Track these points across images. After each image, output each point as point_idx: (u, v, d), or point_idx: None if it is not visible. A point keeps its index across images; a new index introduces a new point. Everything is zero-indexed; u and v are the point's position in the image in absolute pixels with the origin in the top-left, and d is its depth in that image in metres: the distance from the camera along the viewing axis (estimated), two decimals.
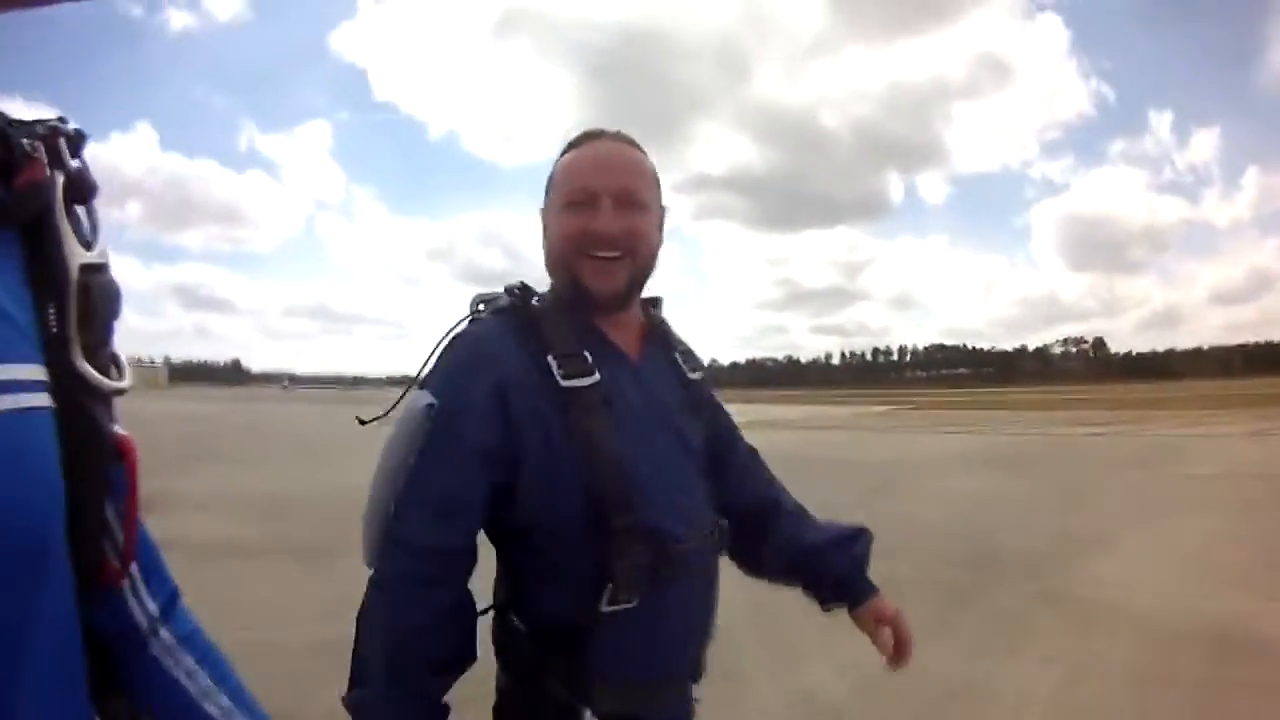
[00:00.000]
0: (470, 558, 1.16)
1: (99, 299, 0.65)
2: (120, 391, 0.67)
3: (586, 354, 1.16)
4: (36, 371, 0.59)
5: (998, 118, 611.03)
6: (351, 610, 1.11)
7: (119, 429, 0.68)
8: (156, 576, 0.76)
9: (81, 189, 0.67)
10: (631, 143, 1.28)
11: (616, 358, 1.22)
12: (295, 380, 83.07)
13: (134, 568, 0.72)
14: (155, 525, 0.76)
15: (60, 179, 0.65)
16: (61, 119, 0.68)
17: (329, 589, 4.48)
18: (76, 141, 0.68)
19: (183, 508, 8.16)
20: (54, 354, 0.61)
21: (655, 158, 1.30)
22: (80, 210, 0.68)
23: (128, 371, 0.69)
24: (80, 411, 0.63)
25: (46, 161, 0.64)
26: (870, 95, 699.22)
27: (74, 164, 0.67)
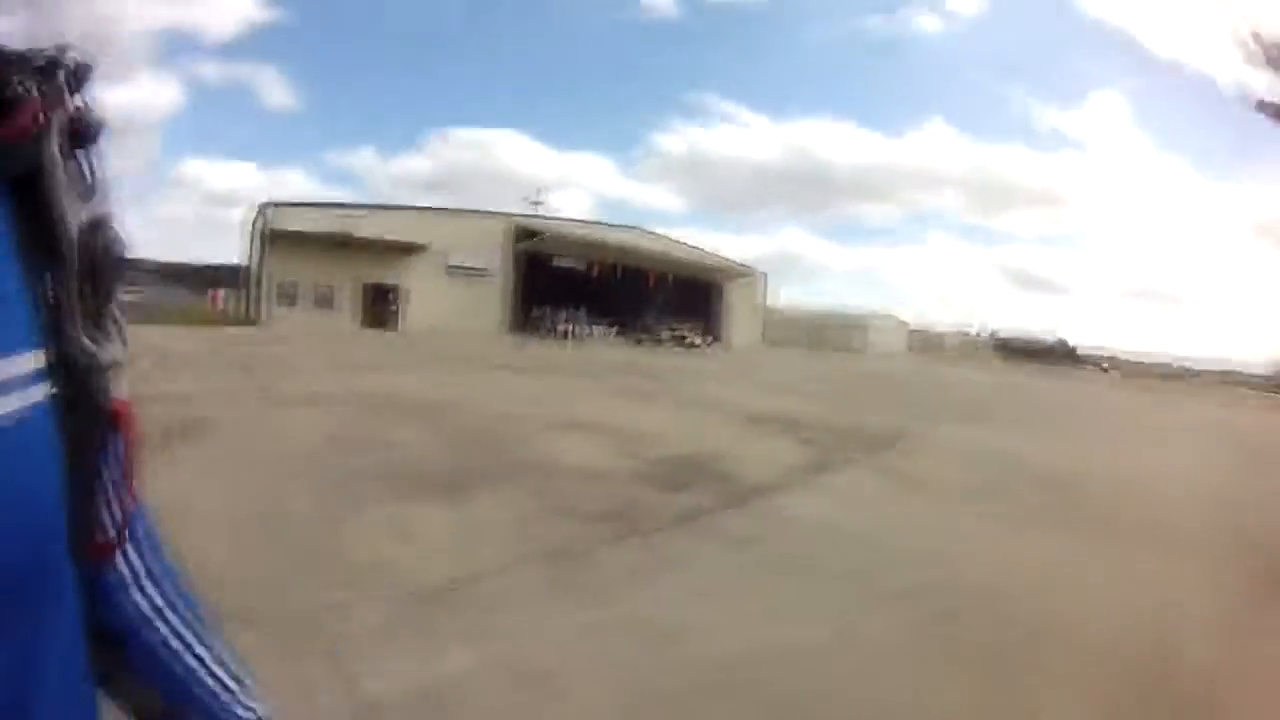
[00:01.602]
0: None
1: (101, 260, 0.59)
2: (119, 363, 0.62)
3: None
4: (32, 360, 0.54)
5: None
6: None
7: (119, 395, 0.63)
8: (152, 552, 0.73)
9: (83, 131, 0.60)
10: None
11: None
12: (1114, 364, 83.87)
13: (133, 556, 0.69)
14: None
15: (59, 121, 0.57)
16: (61, 48, 0.59)
17: None
18: (80, 75, 0.60)
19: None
20: (52, 328, 0.56)
21: None
22: (84, 154, 0.61)
23: (127, 333, 0.64)
24: (82, 388, 0.58)
25: (41, 102, 0.56)
26: None
27: (75, 102, 0.59)
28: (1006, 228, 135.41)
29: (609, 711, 3.07)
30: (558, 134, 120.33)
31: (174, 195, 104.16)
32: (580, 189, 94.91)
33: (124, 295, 0.63)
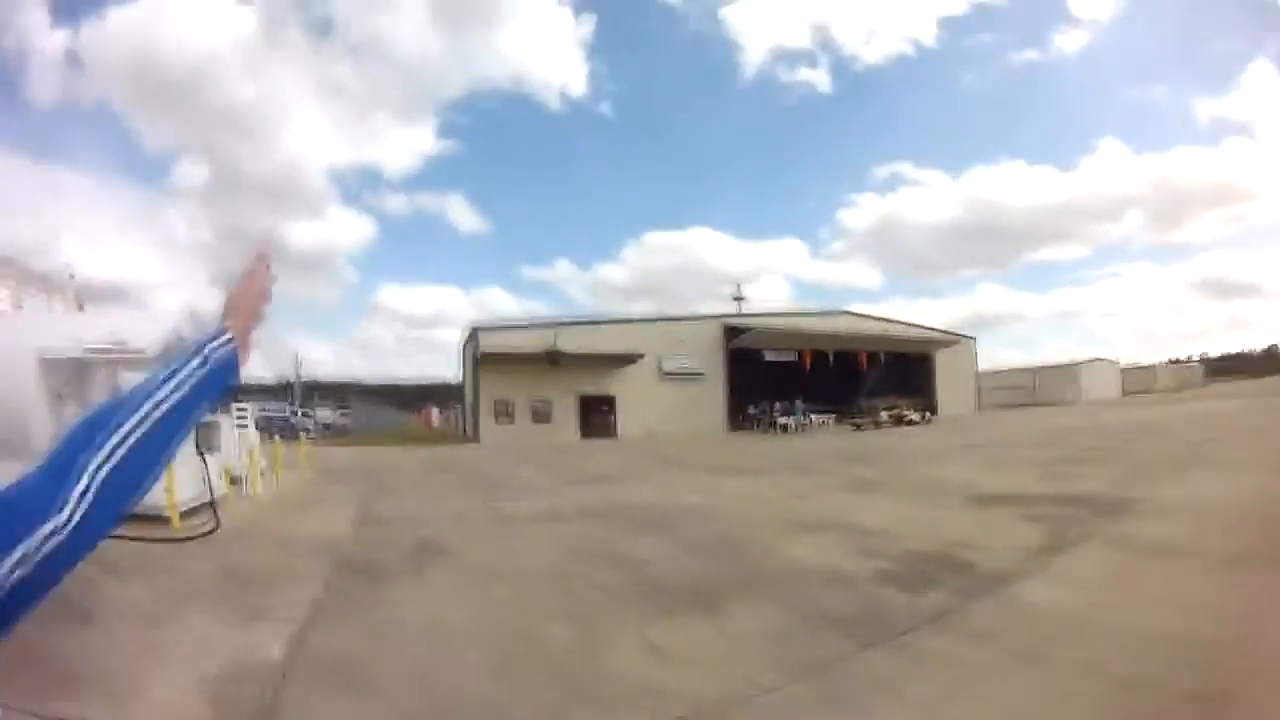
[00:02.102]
0: None
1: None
2: None
3: None
4: None
5: None
6: None
7: None
8: None
9: None
10: None
11: None
12: None
13: None
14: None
15: None
16: None
17: None
18: None
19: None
20: None
21: None
22: None
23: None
24: None
25: None
26: None
27: None
28: (1194, 239, 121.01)
29: None
30: (745, 225, 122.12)
31: (373, 319, 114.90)
32: (776, 275, 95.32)
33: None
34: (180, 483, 9.69)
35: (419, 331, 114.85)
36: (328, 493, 13.76)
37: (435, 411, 57.28)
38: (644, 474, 18.19)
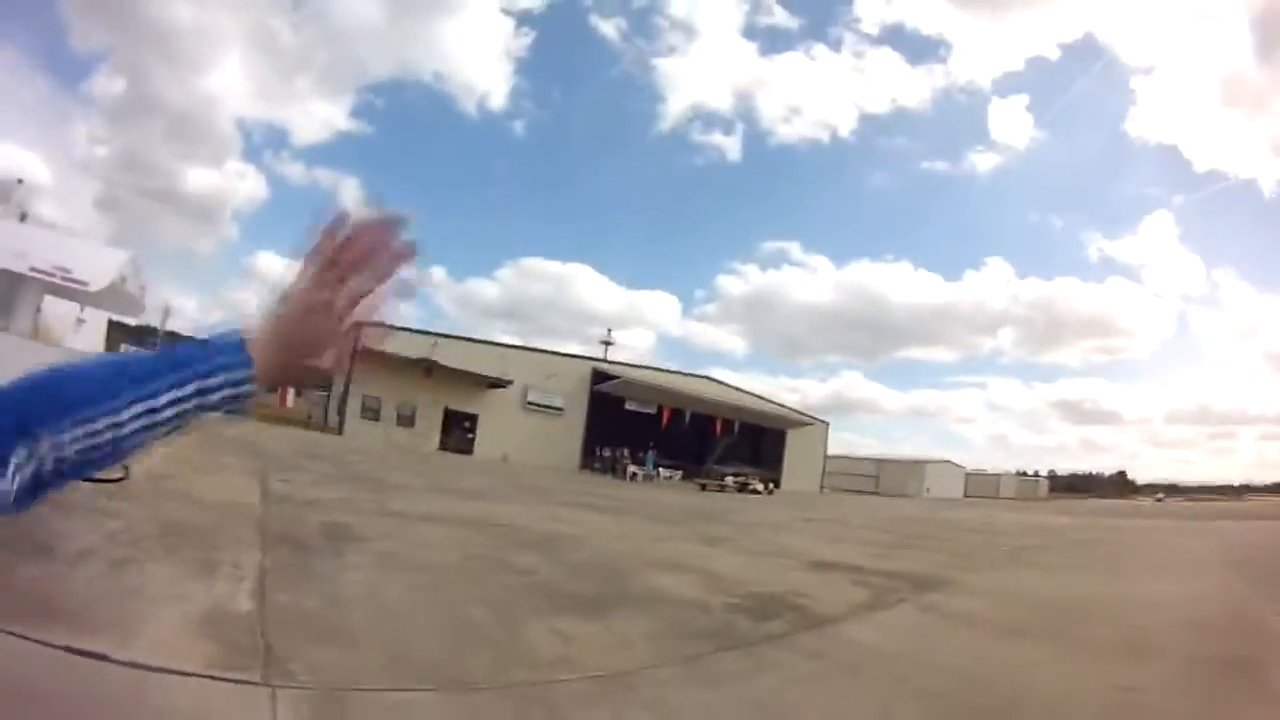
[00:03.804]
0: None
1: None
2: None
3: None
4: None
5: None
6: None
7: None
8: None
9: None
10: None
11: None
12: (1174, 490, 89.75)
13: None
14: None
15: None
16: None
17: None
18: None
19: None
20: None
21: None
22: None
23: None
24: None
25: None
26: None
27: None
28: (1061, 362, 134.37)
29: None
30: (625, 271, 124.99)
31: (244, 282, 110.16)
32: (645, 326, 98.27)
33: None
34: None
35: None
36: (216, 460, 14.15)
37: (292, 394, 55.96)
38: (510, 497, 19.45)
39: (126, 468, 9.93)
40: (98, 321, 16.41)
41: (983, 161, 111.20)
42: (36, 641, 4.28)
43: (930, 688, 6.02)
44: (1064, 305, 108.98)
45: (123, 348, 13.71)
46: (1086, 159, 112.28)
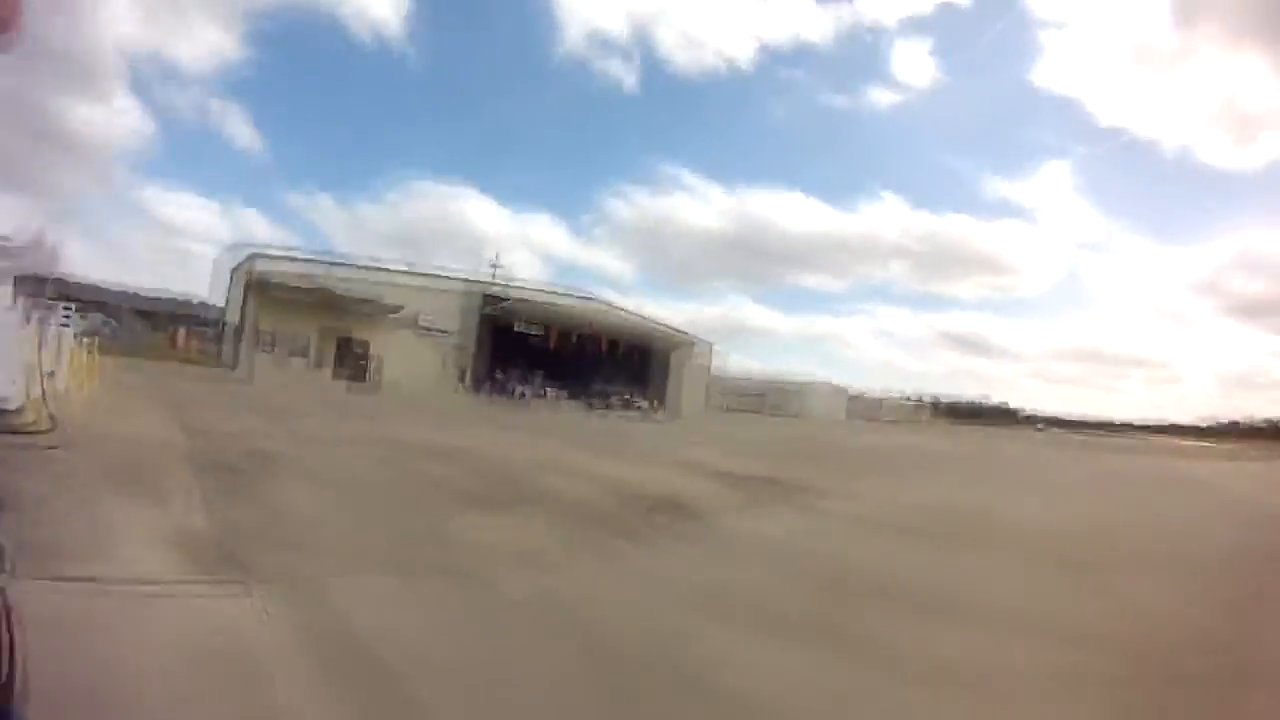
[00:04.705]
0: None
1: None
2: None
3: None
4: None
5: None
6: None
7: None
8: None
9: None
10: None
11: None
12: (1056, 423, 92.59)
13: None
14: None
15: None
16: None
17: None
18: None
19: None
20: None
21: None
22: None
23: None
24: None
25: None
26: None
27: None
28: (953, 295, 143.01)
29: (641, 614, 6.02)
30: (513, 194, 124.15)
31: (130, 222, 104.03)
32: (533, 250, 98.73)
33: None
34: None
35: (175, 241, 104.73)
36: (130, 402, 14.73)
37: (183, 333, 54.59)
38: (407, 418, 20.75)
39: (53, 417, 10.68)
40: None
41: (883, 99, 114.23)
42: (29, 579, 4.48)
43: (799, 568, 7.57)
44: (957, 240, 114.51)
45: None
46: (989, 105, 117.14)
